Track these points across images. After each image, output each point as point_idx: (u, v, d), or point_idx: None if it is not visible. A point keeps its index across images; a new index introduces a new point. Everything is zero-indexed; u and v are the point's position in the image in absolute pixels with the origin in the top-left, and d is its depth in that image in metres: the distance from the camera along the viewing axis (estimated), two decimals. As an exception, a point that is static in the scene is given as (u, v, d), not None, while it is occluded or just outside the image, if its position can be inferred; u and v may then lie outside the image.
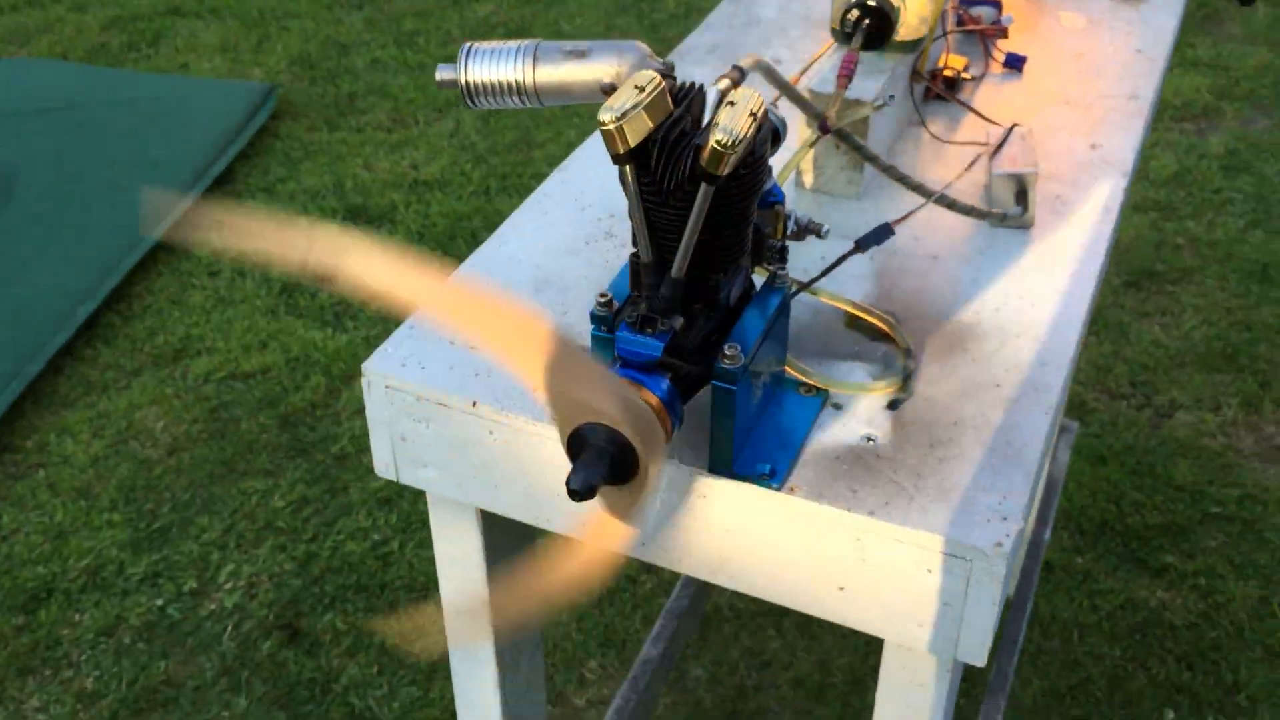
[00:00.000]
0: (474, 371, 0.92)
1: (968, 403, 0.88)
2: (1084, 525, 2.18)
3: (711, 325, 0.81)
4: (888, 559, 0.79)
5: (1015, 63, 1.28)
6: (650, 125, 0.76)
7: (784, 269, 0.86)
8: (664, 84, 0.77)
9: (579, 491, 0.71)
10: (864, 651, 1.98)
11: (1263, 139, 3.30)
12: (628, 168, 0.77)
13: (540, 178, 3.29)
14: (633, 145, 0.75)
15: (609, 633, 2.03)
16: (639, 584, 2.11)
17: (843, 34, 1.08)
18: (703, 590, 1.82)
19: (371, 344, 2.64)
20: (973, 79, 1.25)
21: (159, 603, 2.10)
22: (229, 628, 2.05)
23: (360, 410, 2.46)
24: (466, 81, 0.89)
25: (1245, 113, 3.44)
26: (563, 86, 0.87)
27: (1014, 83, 1.27)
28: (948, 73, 1.22)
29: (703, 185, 0.74)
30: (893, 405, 0.88)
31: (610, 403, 0.72)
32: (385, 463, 0.96)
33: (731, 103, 0.75)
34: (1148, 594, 2.06)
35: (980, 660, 0.80)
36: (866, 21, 1.07)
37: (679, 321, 0.78)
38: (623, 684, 1.67)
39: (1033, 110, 1.22)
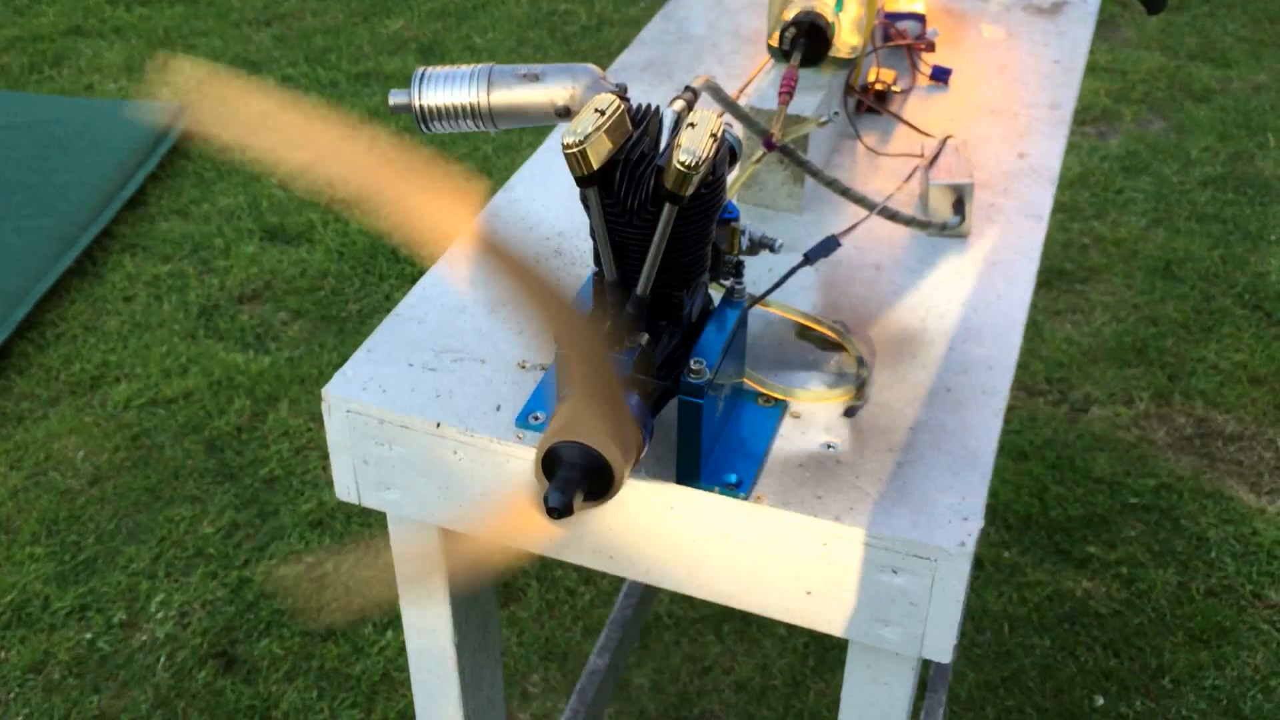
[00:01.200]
0: (435, 393, 0.93)
1: (921, 408, 0.90)
2: (1009, 520, 2.24)
3: (675, 341, 0.83)
4: (853, 562, 0.82)
5: (941, 75, 1.32)
6: (611, 147, 0.78)
7: (741, 283, 0.88)
8: (623, 106, 0.79)
9: (557, 509, 0.72)
10: (803, 654, 2.01)
11: (1159, 140, 3.42)
12: (591, 190, 0.78)
13: (459, 193, 3.29)
14: (595, 168, 0.77)
15: (550, 646, 2.04)
16: (578, 595, 2.12)
17: (780, 51, 1.11)
18: (645, 600, 1.83)
19: (294, 365, 2.61)
20: (902, 92, 1.29)
21: (88, 636, 2.05)
22: (162, 658, 2.02)
23: (287, 432, 2.43)
24: (420, 106, 0.89)
25: (1142, 115, 3.56)
26: (518, 109, 0.88)
27: (941, 95, 1.31)
28: (878, 87, 1.26)
29: (666, 205, 0.76)
30: (849, 413, 0.90)
31: (605, 426, 0.73)
32: (346, 487, 0.96)
33: (692, 124, 0.76)
34: (1073, 584, 2.13)
35: (945, 657, 0.83)
36: (804, 39, 1.09)
37: (645, 338, 0.80)
38: (571, 696, 1.67)
39: (961, 121, 1.26)
